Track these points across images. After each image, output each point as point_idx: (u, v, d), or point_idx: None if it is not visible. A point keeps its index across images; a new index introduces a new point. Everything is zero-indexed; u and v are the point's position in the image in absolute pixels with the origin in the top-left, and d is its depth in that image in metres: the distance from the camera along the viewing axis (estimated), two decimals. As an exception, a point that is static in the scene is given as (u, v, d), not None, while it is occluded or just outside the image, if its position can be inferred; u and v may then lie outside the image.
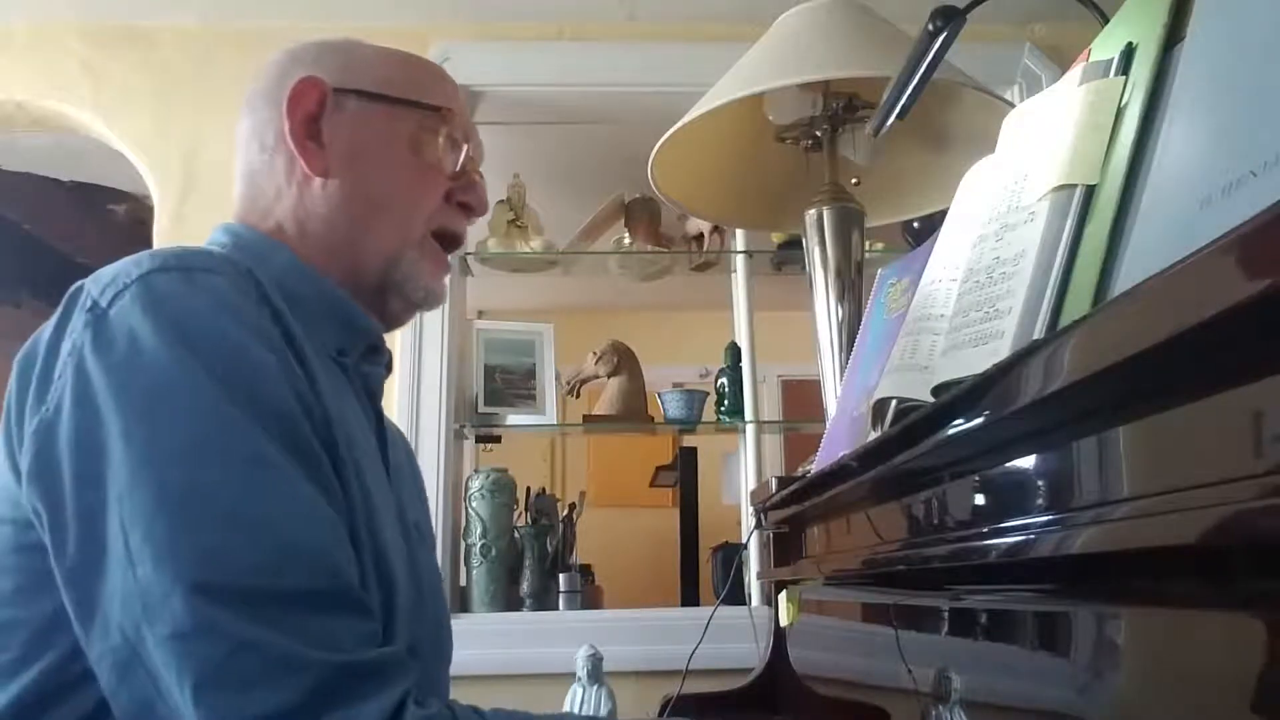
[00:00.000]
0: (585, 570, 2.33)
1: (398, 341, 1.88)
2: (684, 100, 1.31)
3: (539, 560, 2.01)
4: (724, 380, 2.16)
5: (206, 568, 0.58)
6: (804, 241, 1.32)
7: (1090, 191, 0.65)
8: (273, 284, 0.72)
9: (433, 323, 1.95)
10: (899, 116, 1.05)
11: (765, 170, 1.47)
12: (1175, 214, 0.51)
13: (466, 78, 1.83)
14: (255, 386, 0.64)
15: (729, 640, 1.48)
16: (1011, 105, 1.17)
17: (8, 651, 0.65)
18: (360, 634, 0.61)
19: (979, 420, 0.57)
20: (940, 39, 0.94)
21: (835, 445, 1.06)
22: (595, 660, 1.58)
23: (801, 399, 3.19)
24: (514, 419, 2.14)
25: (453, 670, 0.91)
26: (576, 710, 1.55)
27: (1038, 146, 0.73)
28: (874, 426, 0.89)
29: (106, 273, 0.66)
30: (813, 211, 1.30)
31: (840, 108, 1.32)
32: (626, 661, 1.74)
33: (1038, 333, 0.63)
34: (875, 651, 0.83)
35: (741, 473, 2.10)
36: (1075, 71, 0.72)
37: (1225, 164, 0.47)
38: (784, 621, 1.21)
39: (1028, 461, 0.56)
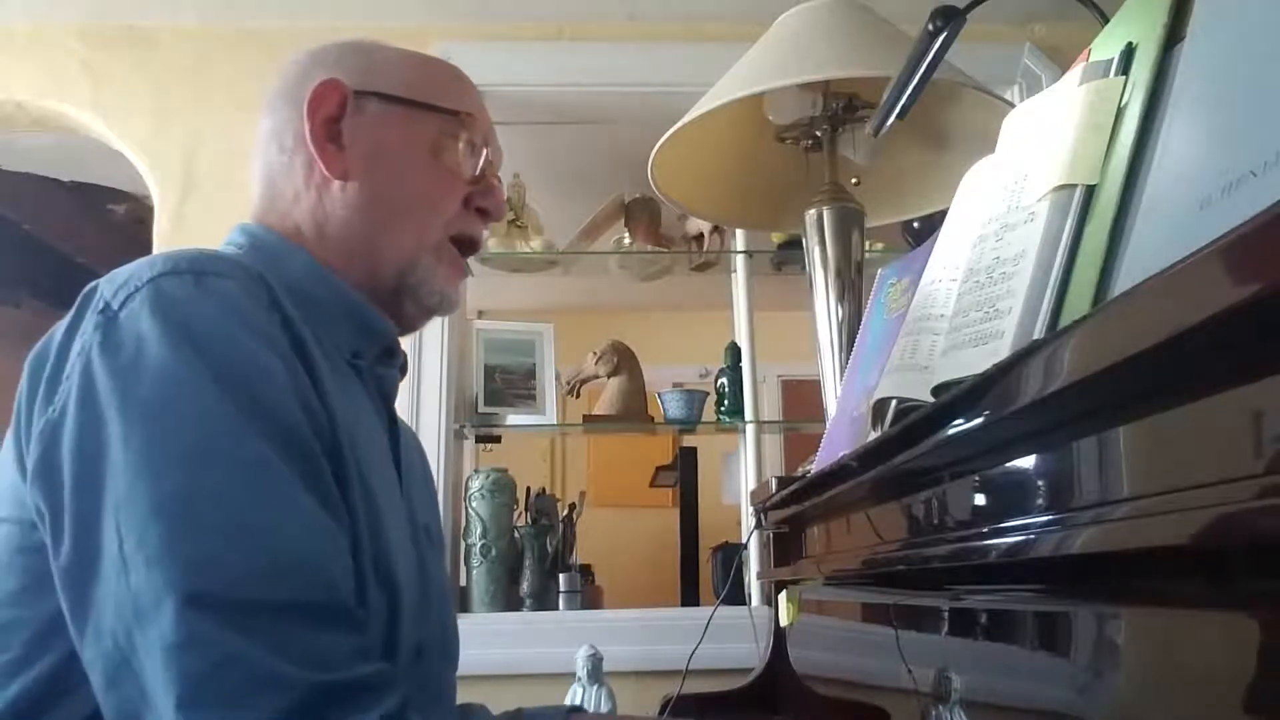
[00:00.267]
0: (585, 570, 2.33)
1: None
2: (684, 100, 1.31)
3: (539, 560, 2.01)
4: (724, 380, 2.16)
5: (198, 577, 0.57)
6: (804, 241, 1.32)
7: (1090, 191, 0.65)
8: (288, 287, 0.72)
9: (433, 323, 1.93)
10: (899, 116, 1.05)
11: (765, 170, 1.47)
12: (1175, 214, 0.51)
13: (466, 78, 1.83)
14: (259, 393, 0.63)
15: (729, 640, 1.48)
16: (1011, 105, 1.17)
17: (9, 651, 0.65)
18: (349, 650, 0.60)
19: (979, 420, 0.57)
20: (940, 39, 0.94)
21: (835, 445, 1.06)
22: (595, 660, 1.58)
23: (801, 399, 3.19)
24: (514, 419, 2.14)
25: (453, 670, 0.91)
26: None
27: (1038, 146, 0.73)
28: (874, 426, 0.89)
29: (121, 273, 0.66)
30: (813, 211, 1.30)
31: (840, 108, 1.32)
32: (626, 661, 1.74)
33: (1038, 333, 0.63)
34: (875, 651, 0.83)
35: (741, 473, 2.10)
36: (1075, 71, 0.72)
37: (1225, 164, 0.48)
38: (784, 621, 1.21)
39: (1028, 461, 0.56)
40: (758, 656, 1.31)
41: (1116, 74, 0.67)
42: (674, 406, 2.17)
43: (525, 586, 2.00)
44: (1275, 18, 0.49)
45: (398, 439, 0.87)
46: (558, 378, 2.22)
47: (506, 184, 2.14)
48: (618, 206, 2.24)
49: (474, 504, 1.98)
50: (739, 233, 2.14)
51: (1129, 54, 0.67)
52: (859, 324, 1.17)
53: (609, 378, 2.26)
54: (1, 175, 2.75)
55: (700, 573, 2.31)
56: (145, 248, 1.83)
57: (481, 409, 2.07)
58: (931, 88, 1.03)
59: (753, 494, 1.63)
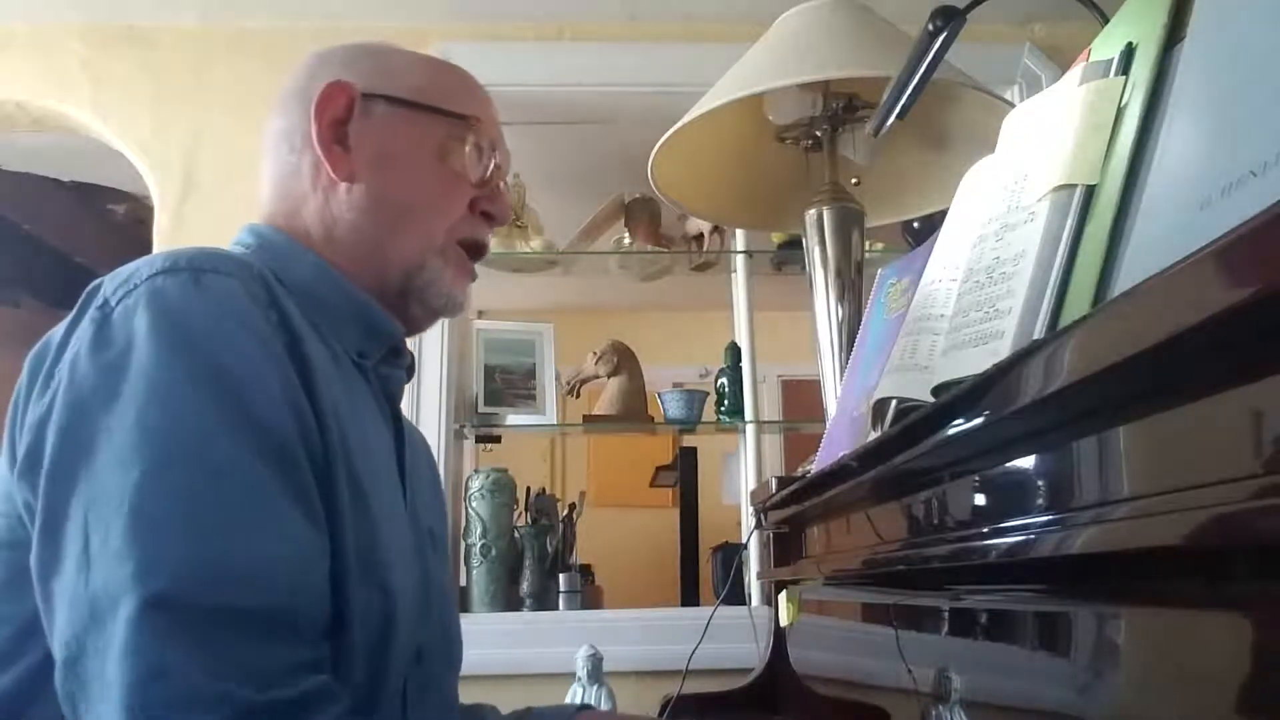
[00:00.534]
0: (585, 570, 2.33)
1: (398, 341, 1.88)
2: (684, 100, 1.31)
3: (539, 560, 2.01)
4: (724, 380, 2.16)
5: (151, 579, 0.56)
6: (804, 241, 1.32)
7: (1090, 191, 0.65)
8: (295, 288, 0.72)
9: (433, 323, 1.95)
10: (899, 116, 1.05)
11: (765, 170, 1.47)
12: (1175, 214, 0.51)
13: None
14: (243, 394, 0.63)
15: (729, 640, 1.48)
16: (1011, 105, 1.17)
17: None
18: (294, 662, 0.59)
19: (979, 420, 0.57)
20: (940, 39, 0.94)
21: (835, 445, 1.06)
22: (595, 660, 1.58)
23: (801, 399, 3.19)
24: (514, 419, 2.14)
25: (453, 670, 0.91)
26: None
27: (1038, 146, 0.73)
28: (874, 426, 0.89)
29: (123, 271, 0.66)
30: (813, 211, 1.30)
31: (840, 108, 1.32)
32: (626, 661, 1.74)
33: (1038, 333, 0.63)
34: (875, 651, 0.83)
35: (741, 473, 2.10)
36: (1075, 71, 0.72)
37: (1225, 164, 0.48)
38: (784, 621, 1.21)
39: (1028, 461, 0.56)
40: (758, 656, 1.31)
41: (1116, 74, 0.67)
42: (674, 406, 2.17)
43: (525, 586, 2.00)
44: (1275, 18, 0.49)
45: (403, 440, 0.86)
46: (558, 378, 2.22)
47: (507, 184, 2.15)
48: (618, 206, 2.24)
49: (474, 504, 1.98)
50: (739, 233, 2.14)
51: (1129, 54, 0.67)
52: (859, 324, 1.17)
53: (609, 378, 2.26)
54: (1, 175, 2.75)
55: (700, 573, 2.31)
56: (145, 248, 1.83)
57: (481, 409, 2.07)
58: (931, 88, 1.03)
59: (753, 494, 1.63)
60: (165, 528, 0.58)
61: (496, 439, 2.19)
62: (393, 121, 0.83)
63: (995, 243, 0.73)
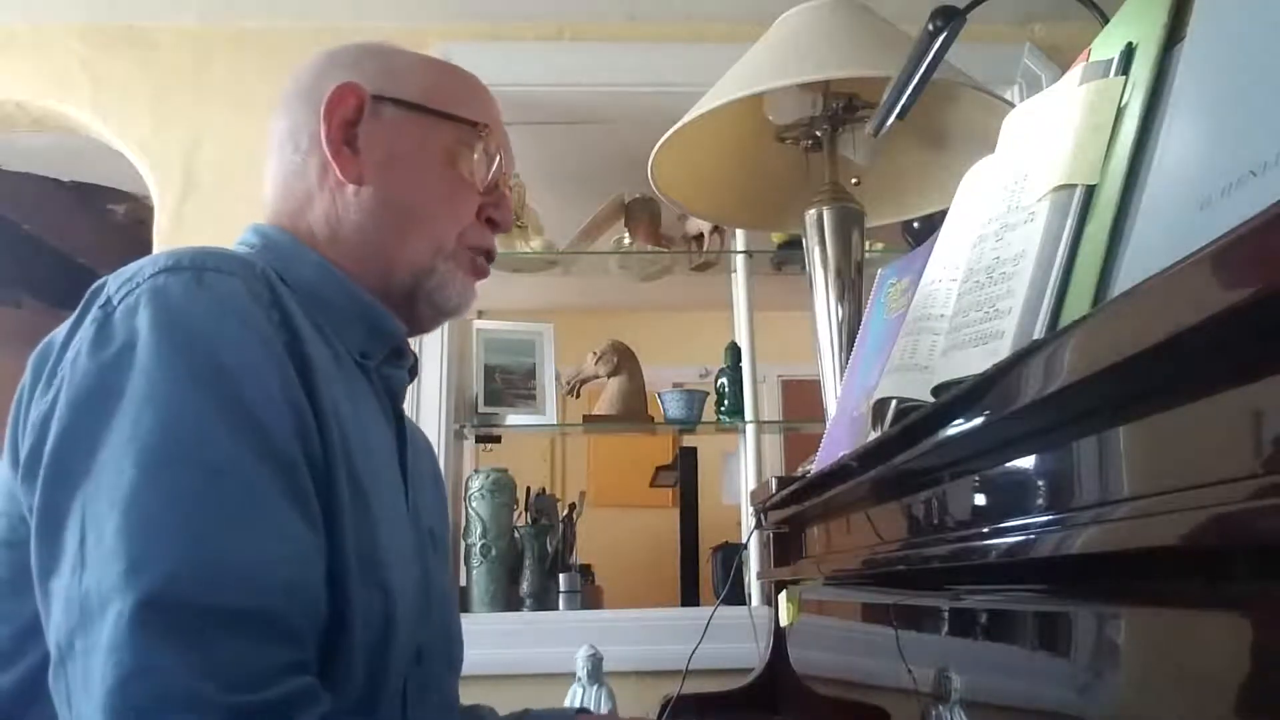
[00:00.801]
0: (585, 570, 2.33)
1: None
2: (684, 100, 1.31)
3: (539, 560, 2.01)
4: (724, 380, 2.16)
5: (140, 578, 0.56)
6: (804, 241, 1.32)
7: (1090, 191, 0.65)
8: (297, 287, 0.72)
9: (433, 323, 1.95)
10: (899, 116, 1.05)
11: (765, 170, 1.47)
12: (1175, 214, 0.51)
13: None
14: (241, 394, 0.63)
15: (729, 640, 1.48)
16: (1011, 105, 1.17)
17: None
18: (280, 664, 0.59)
19: (979, 420, 0.57)
20: (940, 39, 0.94)
21: (835, 445, 1.06)
22: (595, 660, 1.58)
23: (801, 399, 3.18)
24: (514, 419, 2.13)
25: (453, 670, 0.91)
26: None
27: (1038, 146, 0.73)
28: (874, 426, 0.89)
29: (127, 270, 0.66)
30: (813, 211, 1.30)
31: (840, 108, 1.32)
32: (626, 661, 1.74)
33: (1038, 333, 0.63)
34: (875, 651, 0.83)
35: (741, 473, 2.10)
36: (1075, 71, 0.72)
37: (1224, 164, 0.48)
38: (784, 621, 1.21)
39: (1028, 461, 0.56)
40: (758, 656, 1.31)
41: (1116, 74, 0.67)
42: (674, 406, 2.17)
43: (525, 586, 2.00)
44: (1275, 18, 0.49)
45: (405, 441, 0.86)
46: (558, 378, 2.22)
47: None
48: (618, 206, 2.24)
49: (474, 504, 1.98)
50: (739, 233, 2.14)
51: (1129, 54, 0.67)
52: (859, 324, 1.17)
53: (609, 378, 2.26)
54: (1, 175, 2.75)
55: (700, 573, 2.31)
56: (145, 248, 1.83)
57: (481, 409, 2.07)
58: (931, 88, 1.03)
59: (753, 494, 1.63)
60: (160, 527, 0.58)
61: (496, 439, 2.19)
62: (402, 125, 0.83)
63: (995, 243, 0.73)
